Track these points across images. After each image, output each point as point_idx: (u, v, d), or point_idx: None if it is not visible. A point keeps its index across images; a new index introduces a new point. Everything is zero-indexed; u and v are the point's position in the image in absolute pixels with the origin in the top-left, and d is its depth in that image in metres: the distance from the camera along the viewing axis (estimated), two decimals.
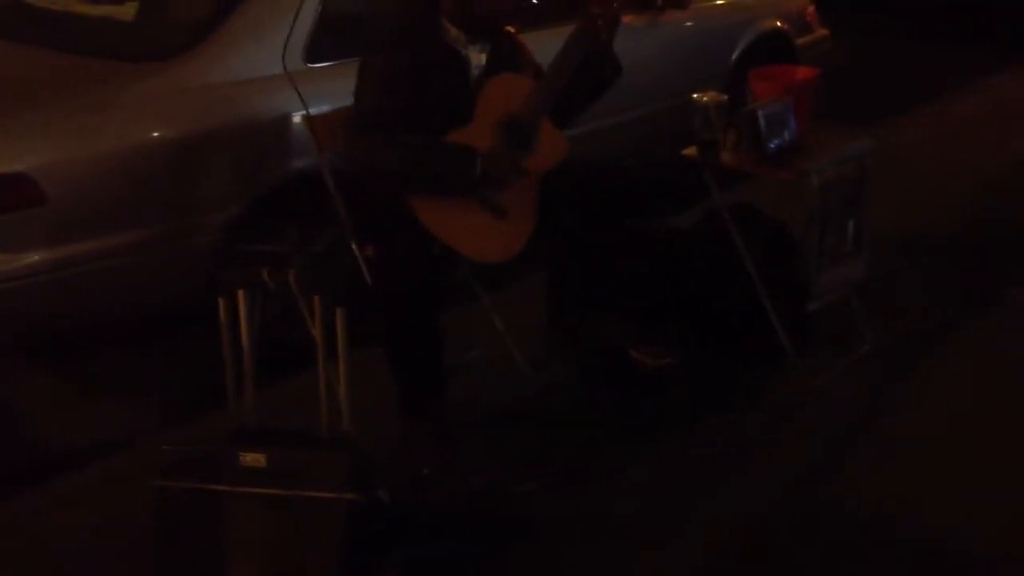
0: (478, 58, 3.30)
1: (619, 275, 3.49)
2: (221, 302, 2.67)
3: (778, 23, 5.75)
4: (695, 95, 3.60)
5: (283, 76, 3.67)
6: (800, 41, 5.86)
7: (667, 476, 3.20)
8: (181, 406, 3.51)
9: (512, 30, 3.42)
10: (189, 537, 2.57)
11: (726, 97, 3.62)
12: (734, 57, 5.48)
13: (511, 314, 3.76)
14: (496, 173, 3.13)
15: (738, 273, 3.61)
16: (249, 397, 2.73)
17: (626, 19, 3.44)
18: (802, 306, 3.64)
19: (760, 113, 3.52)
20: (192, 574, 2.58)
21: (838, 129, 3.91)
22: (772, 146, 3.53)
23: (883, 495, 3.11)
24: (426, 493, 3.09)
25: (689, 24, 5.32)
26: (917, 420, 3.48)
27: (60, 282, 3.43)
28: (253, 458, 2.55)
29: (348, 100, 3.24)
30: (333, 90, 3.50)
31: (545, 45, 3.36)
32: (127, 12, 4.10)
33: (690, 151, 3.64)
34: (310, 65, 3.88)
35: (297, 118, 3.70)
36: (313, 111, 3.42)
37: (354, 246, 3.27)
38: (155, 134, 3.61)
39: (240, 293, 2.67)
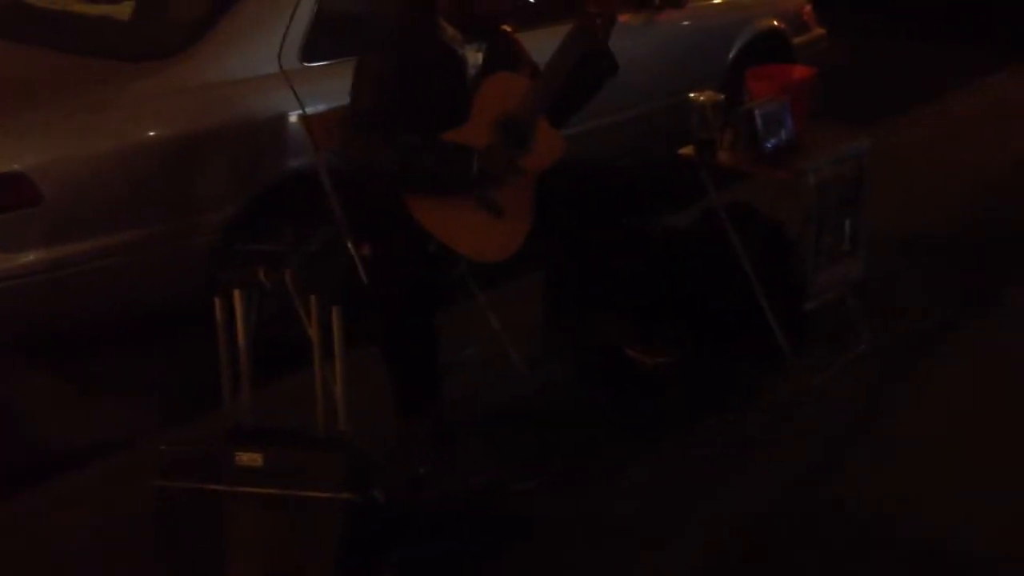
0: (475, 57, 3.30)
1: (616, 274, 3.49)
2: (217, 301, 2.66)
3: (775, 22, 5.75)
4: (692, 94, 3.60)
5: (279, 75, 3.65)
6: (797, 40, 5.86)
7: (667, 476, 3.19)
8: (178, 406, 3.51)
9: (509, 29, 3.42)
10: (187, 537, 2.56)
11: (723, 96, 3.61)
12: (731, 56, 5.49)
13: (508, 313, 3.76)
14: (493, 172, 3.13)
15: (735, 272, 3.61)
16: (245, 397, 2.72)
17: (623, 18, 3.44)
18: (799, 305, 3.64)
19: (757, 112, 3.51)
20: (190, 574, 2.58)
21: (835, 128, 3.90)
22: (769, 145, 3.53)
23: (883, 495, 3.10)
24: (423, 493, 3.08)
25: (686, 23, 5.32)
26: (917, 420, 3.47)
27: (57, 282, 3.43)
28: (250, 458, 2.54)
29: (344, 99, 3.23)
30: (329, 89, 3.49)
31: (542, 44, 3.36)
32: (124, 12, 4.10)
33: (687, 150, 3.64)
34: (306, 64, 3.88)
35: (293, 117, 3.70)
36: (309, 110, 3.40)
37: (350, 245, 3.26)
38: (151, 133, 3.60)
39: (236, 292, 2.66)
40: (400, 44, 3.22)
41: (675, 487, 3.15)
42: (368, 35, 3.45)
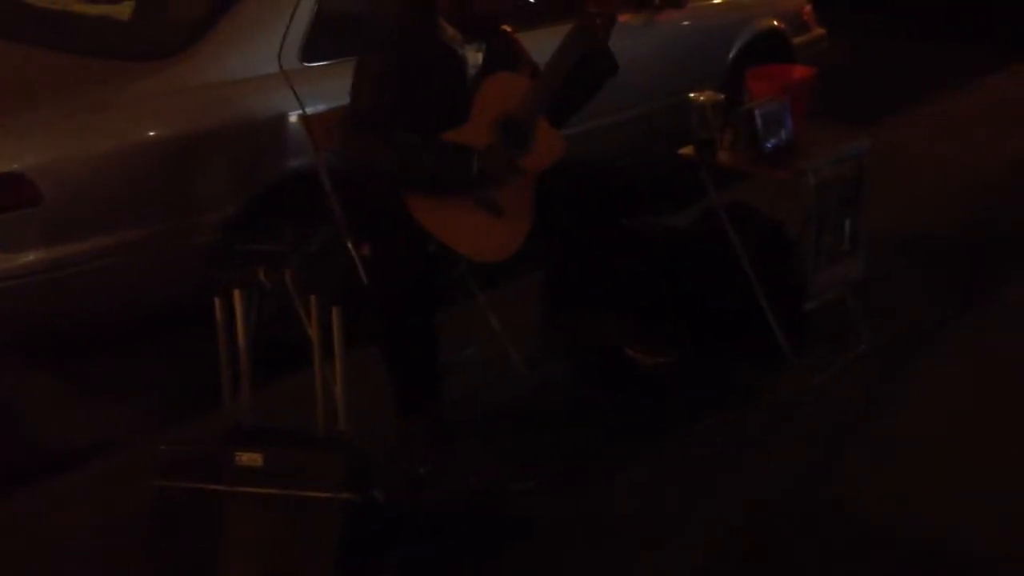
0: (475, 57, 3.29)
1: (615, 274, 3.49)
2: (217, 301, 2.66)
3: (775, 22, 5.75)
4: (692, 94, 3.60)
5: (279, 75, 3.65)
6: (797, 40, 5.85)
7: (667, 476, 3.19)
8: (178, 406, 3.50)
9: (509, 29, 3.42)
10: (186, 537, 2.56)
11: (723, 96, 3.61)
12: (731, 56, 5.48)
13: (507, 313, 3.75)
14: (493, 172, 3.13)
15: (735, 272, 3.61)
16: (245, 397, 2.73)
17: (623, 18, 3.44)
18: (799, 305, 3.63)
19: (757, 112, 3.51)
20: (189, 574, 2.58)
21: (835, 128, 3.90)
22: (769, 145, 3.52)
23: (883, 495, 3.10)
24: (423, 492, 3.08)
25: (686, 23, 5.31)
26: (916, 420, 3.47)
27: (56, 282, 3.43)
28: (249, 458, 2.55)
29: (344, 99, 3.23)
30: (329, 89, 3.48)
31: (542, 44, 3.35)
32: (124, 11, 4.09)
33: (687, 150, 3.63)
34: (306, 64, 3.87)
35: (293, 117, 3.69)
36: (309, 110, 3.41)
37: (350, 245, 3.26)
38: (151, 133, 3.60)
39: (236, 292, 2.66)
40: (400, 44, 3.22)
41: (675, 487, 3.15)
42: (368, 35, 3.45)
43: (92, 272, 3.48)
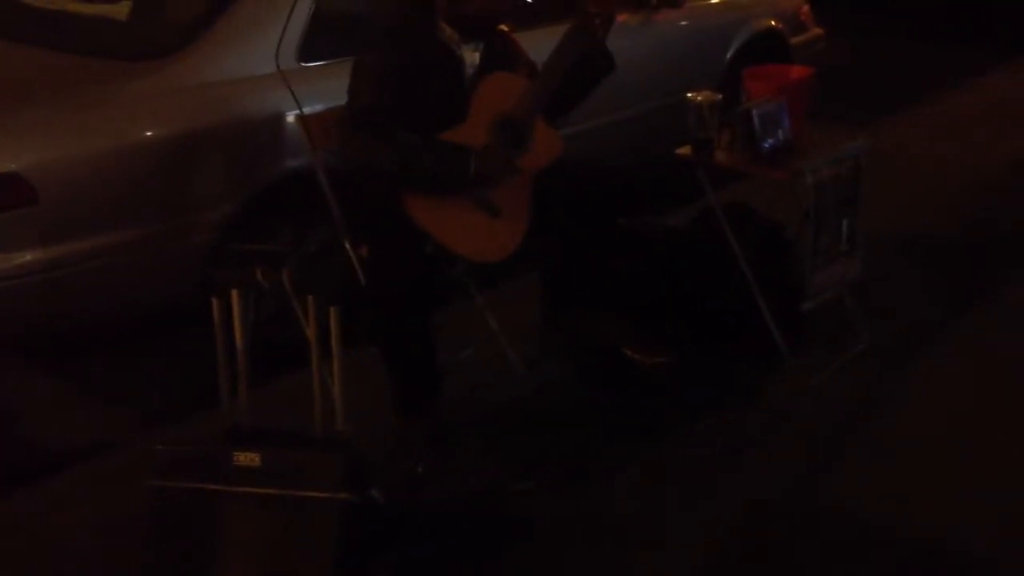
0: (472, 57, 3.29)
1: (613, 274, 3.49)
2: (215, 301, 2.66)
3: (772, 22, 5.75)
4: (689, 94, 3.59)
5: (277, 75, 3.65)
6: (794, 40, 5.86)
7: (667, 476, 3.19)
8: (176, 406, 3.50)
9: (506, 29, 3.41)
10: (184, 537, 2.55)
11: (720, 96, 3.61)
12: (728, 56, 5.48)
13: (505, 313, 3.75)
14: (490, 172, 3.13)
15: (732, 272, 3.60)
16: (243, 397, 2.72)
17: (620, 17, 3.44)
18: (797, 305, 3.63)
19: (754, 112, 3.51)
20: (187, 574, 2.57)
21: (833, 128, 3.90)
22: (766, 145, 3.52)
23: (883, 495, 3.09)
24: (421, 493, 3.08)
25: (683, 23, 5.31)
26: (916, 420, 3.47)
27: (54, 282, 3.42)
28: (247, 458, 2.54)
29: (342, 99, 3.23)
30: (327, 89, 3.48)
31: (539, 44, 3.35)
32: (121, 11, 4.09)
33: (684, 150, 3.63)
34: (304, 64, 3.87)
35: (291, 117, 3.69)
36: (307, 110, 3.40)
37: (348, 245, 3.26)
38: (148, 133, 3.59)
39: (234, 292, 2.66)
40: (398, 44, 3.22)
41: (675, 487, 3.14)
42: (366, 35, 3.44)
43: (89, 272, 3.47)
